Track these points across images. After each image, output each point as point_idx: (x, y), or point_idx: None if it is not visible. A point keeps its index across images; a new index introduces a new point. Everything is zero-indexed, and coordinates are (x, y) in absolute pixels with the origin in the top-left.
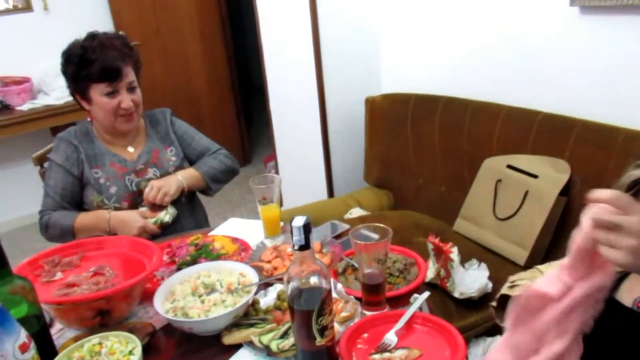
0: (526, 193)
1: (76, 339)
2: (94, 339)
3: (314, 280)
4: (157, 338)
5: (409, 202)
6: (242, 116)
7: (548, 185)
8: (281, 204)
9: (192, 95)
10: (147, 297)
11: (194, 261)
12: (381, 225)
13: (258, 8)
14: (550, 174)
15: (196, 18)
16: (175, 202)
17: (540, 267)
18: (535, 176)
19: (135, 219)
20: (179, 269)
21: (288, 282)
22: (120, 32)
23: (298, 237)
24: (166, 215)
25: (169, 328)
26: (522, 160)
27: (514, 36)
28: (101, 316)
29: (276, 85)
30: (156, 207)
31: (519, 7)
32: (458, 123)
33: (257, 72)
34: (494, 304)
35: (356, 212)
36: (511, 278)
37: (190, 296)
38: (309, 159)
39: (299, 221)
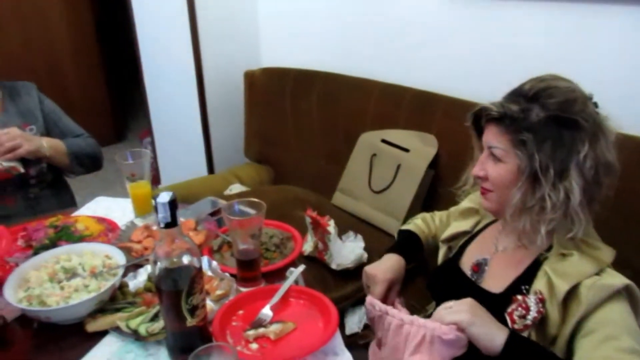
0: (398, 166)
1: None
2: None
3: (182, 259)
4: (9, 330)
5: (288, 176)
6: (113, 88)
7: (418, 158)
8: (159, 181)
9: (54, 64)
10: None
11: (52, 245)
12: (256, 200)
13: None
14: (420, 148)
15: None
16: (39, 179)
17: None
18: (406, 150)
19: None
20: (35, 254)
21: (155, 262)
22: None
23: (163, 214)
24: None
25: (26, 319)
26: (395, 135)
27: (389, 16)
28: None
29: (151, 57)
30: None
31: None
32: (335, 98)
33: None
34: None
35: (236, 188)
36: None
37: (48, 283)
38: (187, 134)
39: (164, 197)
